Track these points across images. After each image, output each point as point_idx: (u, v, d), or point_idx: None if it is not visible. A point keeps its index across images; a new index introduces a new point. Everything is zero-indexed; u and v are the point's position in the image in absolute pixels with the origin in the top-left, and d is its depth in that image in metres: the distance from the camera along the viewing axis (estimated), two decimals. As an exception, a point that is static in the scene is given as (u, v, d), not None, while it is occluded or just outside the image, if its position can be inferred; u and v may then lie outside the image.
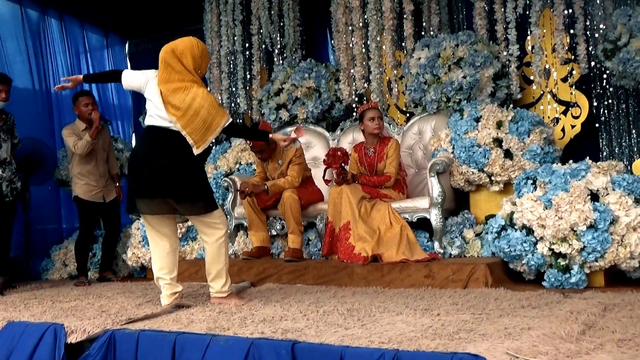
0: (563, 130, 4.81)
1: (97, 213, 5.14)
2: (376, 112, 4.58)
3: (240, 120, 6.32)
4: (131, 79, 3.41)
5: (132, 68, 7.46)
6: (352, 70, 5.43)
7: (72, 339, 2.78)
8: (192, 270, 4.53)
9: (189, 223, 5.05)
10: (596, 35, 4.72)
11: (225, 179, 5.03)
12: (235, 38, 6.13)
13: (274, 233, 4.83)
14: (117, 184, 5.29)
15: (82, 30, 6.90)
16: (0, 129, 4.60)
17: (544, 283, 3.52)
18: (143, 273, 5.19)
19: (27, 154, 5.48)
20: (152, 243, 3.40)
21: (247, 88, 6.20)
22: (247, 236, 4.92)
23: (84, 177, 5.01)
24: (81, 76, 3.59)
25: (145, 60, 3.40)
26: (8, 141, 4.68)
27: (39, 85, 6.21)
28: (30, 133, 5.73)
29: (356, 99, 5.57)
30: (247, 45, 6.18)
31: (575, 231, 3.38)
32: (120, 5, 6.66)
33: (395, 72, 5.32)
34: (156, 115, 3.27)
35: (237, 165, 5.43)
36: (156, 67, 3.35)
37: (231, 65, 6.24)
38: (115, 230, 5.25)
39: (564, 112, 4.83)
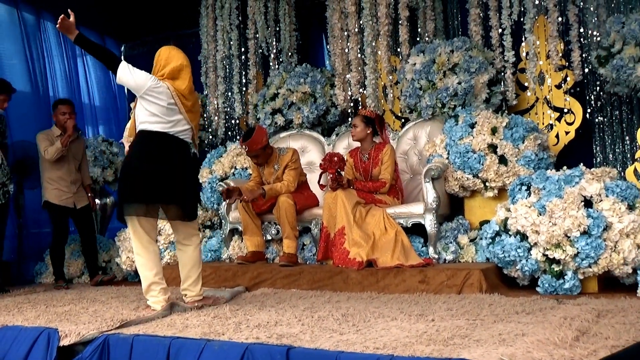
0: (557, 136, 4.84)
1: (68, 218, 5.12)
2: (355, 119, 4.63)
3: (236, 124, 6.34)
4: (132, 75, 3.25)
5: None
6: (347, 76, 5.45)
7: (66, 342, 2.77)
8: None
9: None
10: (590, 42, 4.75)
11: (220, 183, 5.02)
12: (231, 42, 6.14)
13: (269, 238, 4.83)
14: (90, 194, 5.28)
15: (79, 33, 6.88)
16: (-7, 133, 4.60)
17: (538, 289, 3.54)
18: (137, 277, 5.15)
19: (21, 158, 5.47)
20: (143, 249, 3.36)
21: (243, 93, 6.20)
22: (242, 241, 4.91)
23: (54, 182, 5.00)
24: (77, 32, 3.26)
25: (140, 63, 3.36)
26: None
27: (35, 88, 6.20)
28: (26, 136, 5.72)
29: (352, 104, 5.58)
30: (242, 49, 6.18)
31: (569, 237, 3.39)
32: (116, 8, 6.65)
33: (390, 77, 5.33)
34: (169, 121, 3.29)
35: (233, 170, 5.43)
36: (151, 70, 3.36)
37: (227, 70, 6.24)
38: (90, 235, 5.21)
39: (558, 119, 4.86)
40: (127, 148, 3.63)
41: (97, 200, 5.65)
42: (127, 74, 3.25)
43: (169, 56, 3.38)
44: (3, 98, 4.55)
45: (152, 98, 3.27)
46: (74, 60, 6.77)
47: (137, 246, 3.36)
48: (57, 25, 3.22)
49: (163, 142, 3.30)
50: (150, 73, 3.35)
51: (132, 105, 3.43)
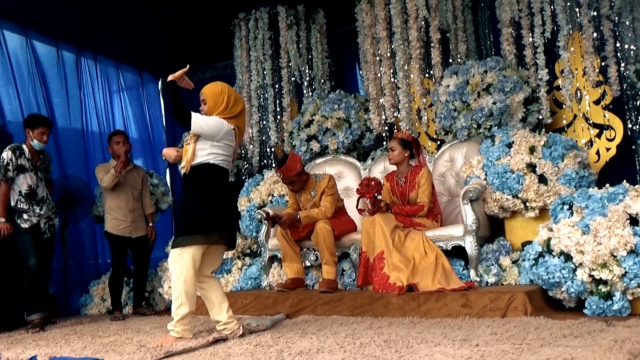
0: (598, 153, 4.74)
1: (126, 249, 5.26)
2: (392, 142, 4.63)
3: (272, 152, 6.41)
4: (207, 124, 3.34)
5: (165, 104, 7.67)
6: (381, 100, 5.47)
7: (113, 374, 2.81)
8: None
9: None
10: (627, 56, 4.67)
11: (259, 210, 5.07)
12: (265, 72, 6.24)
13: (308, 264, 4.84)
14: (151, 224, 5.41)
15: (117, 69, 7.12)
16: (38, 168, 4.74)
17: (585, 311, 3.44)
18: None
19: (64, 192, 5.63)
20: (194, 277, 3.39)
21: (278, 120, 6.28)
22: (281, 268, 4.93)
23: (112, 212, 5.18)
24: (171, 78, 3.41)
25: (178, 96, 3.46)
26: (44, 179, 4.83)
27: (75, 124, 6.40)
28: (68, 171, 5.90)
29: (386, 128, 5.59)
30: (276, 78, 6.28)
31: (615, 257, 3.30)
32: (153, 44, 6.85)
33: (424, 100, 5.34)
34: (230, 160, 3.51)
35: (270, 198, 5.47)
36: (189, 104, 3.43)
37: (261, 99, 6.34)
38: (143, 266, 5.33)
39: (598, 135, 4.77)
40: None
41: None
42: (203, 124, 3.34)
43: (237, 97, 3.53)
44: (42, 131, 4.69)
45: (227, 141, 3.43)
46: (111, 97, 6.98)
47: (188, 273, 3.32)
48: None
49: (225, 176, 3.49)
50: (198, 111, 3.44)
51: (188, 139, 3.45)
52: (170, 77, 3.42)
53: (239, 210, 5.49)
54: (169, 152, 3.63)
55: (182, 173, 3.45)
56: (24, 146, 4.68)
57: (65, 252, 5.77)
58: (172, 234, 6.31)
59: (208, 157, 3.38)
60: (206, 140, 3.38)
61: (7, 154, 4.57)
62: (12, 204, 4.61)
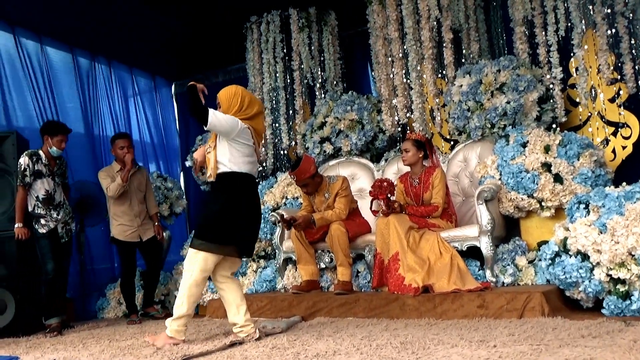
0: (614, 151, 4.70)
1: (135, 252, 5.22)
2: (406, 144, 4.59)
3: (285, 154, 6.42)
4: (224, 120, 3.37)
5: (179, 108, 7.72)
6: (393, 101, 5.46)
7: (130, 377, 2.83)
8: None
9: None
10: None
11: (273, 213, 5.07)
12: (277, 74, 6.24)
13: (323, 266, 4.84)
14: (157, 223, 5.33)
15: (131, 74, 7.18)
16: (55, 174, 4.78)
17: (603, 311, 3.41)
18: (195, 310, 5.22)
19: (80, 197, 5.67)
20: (203, 282, 3.46)
21: (291, 123, 6.29)
22: (296, 270, 4.94)
23: (119, 218, 5.12)
24: (192, 84, 3.48)
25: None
26: (61, 184, 4.87)
27: (90, 129, 6.45)
28: (83, 176, 5.95)
29: (399, 129, 5.58)
30: (288, 81, 6.28)
31: (633, 256, 3.27)
32: (165, 49, 6.90)
33: (437, 100, 5.32)
34: (254, 162, 3.51)
35: (284, 200, 5.48)
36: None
37: (274, 101, 6.34)
38: (155, 267, 5.30)
39: (614, 133, 4.73)
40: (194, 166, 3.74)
41: (166, 232, 5.66)
42: (221, 118, 3.37)
43: (252, 99, 3.56)
44: (61, 138, 4.74)
45: (243, 140, 3.44)
46: (126, 101, 7.04)
47: (198, 277, 3.41)
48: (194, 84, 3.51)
49: (252, 183, 3.51)
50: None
51: (208, 147, 3.51)
52: (191, 83, 3.49)
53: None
54: (198, 156, 3.64)
55: (209, 180, 3.53)
56: (41, 152, 4.72)
57: (82, 256, 5.81)
58: (187, 237, 6.32)
59: (231, 164, 3.40)
60: (223, 140, 3.41)
61: (24, 160, 4.62)
62: (30, 209, 4.66)
